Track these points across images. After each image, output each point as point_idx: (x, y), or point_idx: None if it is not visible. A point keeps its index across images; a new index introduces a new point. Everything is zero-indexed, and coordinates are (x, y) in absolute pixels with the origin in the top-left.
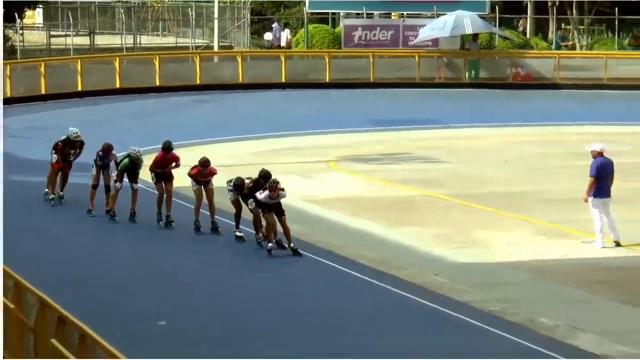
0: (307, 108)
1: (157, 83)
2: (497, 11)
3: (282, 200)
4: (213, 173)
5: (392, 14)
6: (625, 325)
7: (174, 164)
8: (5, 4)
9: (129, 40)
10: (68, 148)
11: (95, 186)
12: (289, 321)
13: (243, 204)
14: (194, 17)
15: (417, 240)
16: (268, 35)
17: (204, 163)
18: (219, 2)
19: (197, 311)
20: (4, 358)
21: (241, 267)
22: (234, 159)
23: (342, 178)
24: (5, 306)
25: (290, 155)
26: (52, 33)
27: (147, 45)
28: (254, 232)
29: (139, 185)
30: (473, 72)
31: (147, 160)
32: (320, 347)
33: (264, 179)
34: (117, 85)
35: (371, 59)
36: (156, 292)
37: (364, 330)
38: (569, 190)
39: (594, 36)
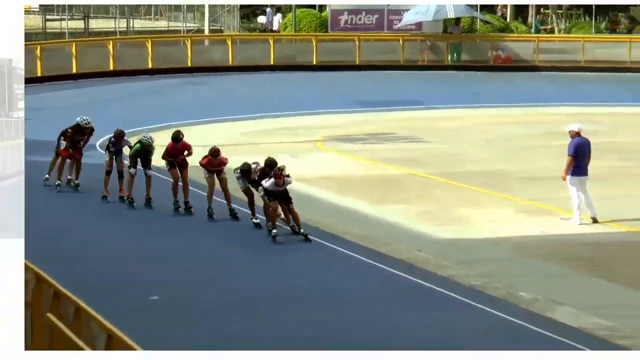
0: (295, 90)
1: (150, 65)
2: None
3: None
4: (223, 163)
5: None
6: (601, 299)
7: (185, 152)
8: None
9: (122, 24)
10: (78, 135)
11: (109, 172)
12: (275, 297)
13: (254, 191)
14: (185, 2)
15: (403, 218)
16: (262, 19)
17: (214, 152)
18: None
19: (186, 282)
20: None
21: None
22: (225, 138)
23: (330, 157)
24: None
25: (278, 136)
26: (48, 17)
27: (140, 29)
28: (265, 219)
29: (152, 171)
30: (455, 54)
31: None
32: (305, 320)
33: (270, 167)
34: (111, 68)
35: (357, 42)
36: (157, 272)
37: (351, 305)
38: (547, 169)
39: (571, 20)
